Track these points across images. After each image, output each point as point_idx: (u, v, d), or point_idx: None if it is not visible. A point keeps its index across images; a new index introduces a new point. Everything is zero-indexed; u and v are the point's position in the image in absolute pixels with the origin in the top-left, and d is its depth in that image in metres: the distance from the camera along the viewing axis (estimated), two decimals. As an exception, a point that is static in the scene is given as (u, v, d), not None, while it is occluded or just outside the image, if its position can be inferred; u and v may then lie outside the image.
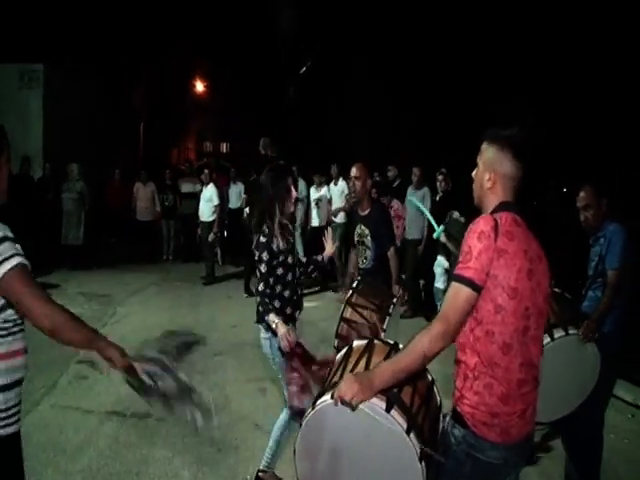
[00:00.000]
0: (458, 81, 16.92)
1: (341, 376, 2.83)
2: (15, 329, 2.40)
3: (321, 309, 9.98)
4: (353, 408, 2.44)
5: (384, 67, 19.06)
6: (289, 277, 4.22)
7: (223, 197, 12.92)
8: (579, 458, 4.30)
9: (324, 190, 11.94)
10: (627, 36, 13.09)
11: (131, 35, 20.34)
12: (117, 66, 19.52)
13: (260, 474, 4.43)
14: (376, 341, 3.17)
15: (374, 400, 2.49)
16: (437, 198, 9.53)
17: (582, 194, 4.36)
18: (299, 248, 12.80)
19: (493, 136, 2.65)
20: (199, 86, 35.03)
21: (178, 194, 14.95)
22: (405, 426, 2.49)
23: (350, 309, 5.04)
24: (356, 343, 3.19)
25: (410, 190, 10.13)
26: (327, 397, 2.63)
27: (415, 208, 9.67)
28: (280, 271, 4.16)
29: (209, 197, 12.12)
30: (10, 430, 2.39)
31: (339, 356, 3.18)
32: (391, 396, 2.55)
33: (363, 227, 5.44)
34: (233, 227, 13.88)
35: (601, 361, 3.97)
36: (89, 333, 2.47)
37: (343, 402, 2.44)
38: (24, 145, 14.36)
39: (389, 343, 3.14)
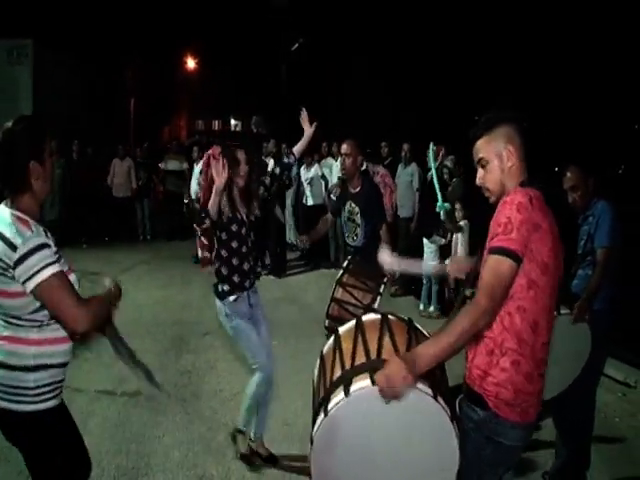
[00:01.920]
0: (454, 60, 16.86)
1: (367, 356, 2.72)
2: (51, 321, 2.62)
3: (312, 287, 9.99)
4: (400, 394, 2.34)
5: (379, 44, 18.95)
6: (235, 245, 4.31)
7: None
8: (569, 436, 4.31)
9: (315, 169, 11.85)
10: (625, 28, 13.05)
11: (121, 11, 20.12)
12: (106, 42, 19.30)
13: (250, 444, 4.56)
14: (390, 317, 3.04)
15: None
16: (428, 175, 9.50)
17: (568, 175, 4.32)
18: (290, 227, 12.78)
19: (493, 120, 2.58)
20: (190, 63, 34.76)
21: (155, 172, 14.82)
22: (448, 411, 2.50)
23: (341, 289, 5.03)
24: (366, 318, 3.07)
25: (400, 167, 10.10)
26: (363, 383, 2.52)
27: (407, 184, 9.64)
28: (228, 239, 4.29)
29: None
30: (41, 406, 2.60)
31: (343, 330, 3.06)
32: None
33: (353, 204, 5.33)
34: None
35: (592, 340, 3.97)
36: (103, 315, 2.76)
37: (389, 387, 2.32)
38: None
39: (403, 319, 3.07)
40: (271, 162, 10.99)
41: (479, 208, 8.45)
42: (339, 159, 11.54)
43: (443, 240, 8.14)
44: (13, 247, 2.43)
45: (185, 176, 14.02)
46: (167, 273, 11.09)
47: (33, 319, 2.58)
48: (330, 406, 2.59)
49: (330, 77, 21.84)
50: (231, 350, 6.81)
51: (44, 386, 2.61)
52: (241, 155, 4.32)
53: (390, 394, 2.34)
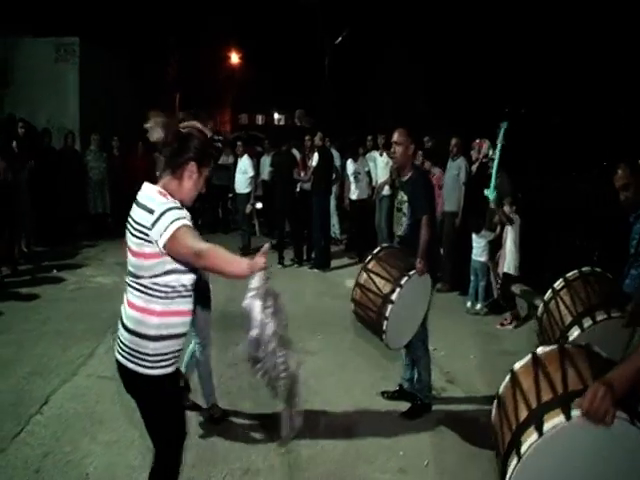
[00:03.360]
0: (491, 52, 16.61)
1: (553, 391, 2.55)
2: (173, 295, 2.91)
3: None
4: (607, 414, 2.21)
5: (419, 39, 18.77)
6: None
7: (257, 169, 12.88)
8: None
9: (360, 162, 11.78)
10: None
11: (165, 7, 20.27)
12: (151, 38, 19.45)
13: (211, 412, 5.05)
14: (566, 345, 2.90)
15: None
16: (473, 168, 9.36)
17: (619, 173, 4.21)
18: (334, 220, 12.74)
19: None
20: (234, 57, 34.91)
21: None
22: None
23: (365, 274, 5.04)
24: (541, 351, 2.90)
25: (449, 161, 9.97)
26: (557, 420, 2.38)
27: (454, 178, 9.49)
28: None
29: (244, 169, 12.08)
30: (156, 372, 2.95)
31: (519, 367, 2.92)
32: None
33: (402, 193, 5.27)
34: (266, 199, 13.83)
35: None
36: (236, 264, 2.82)
37: (595, 416, 2.23)
38: (61, 119, 14.44)
39: (580, 345, 2.89)
40: (316, 156, 11.00)
41: (529, 201, 8.28)
42: (384, 153, 11.51)
43: (492, 234, 7.98)
44: (151, 211, 2.78)
45: (230, 170, 14.08)
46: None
47: (161, 290, 2.87)
48: (523, 449, 2.45)
49: (372, 69, 21.69)
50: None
51: (161, 354, 2.93)
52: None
53: (597, 417, 2.23)
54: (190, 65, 26.06)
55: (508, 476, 2.47)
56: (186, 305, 3.02)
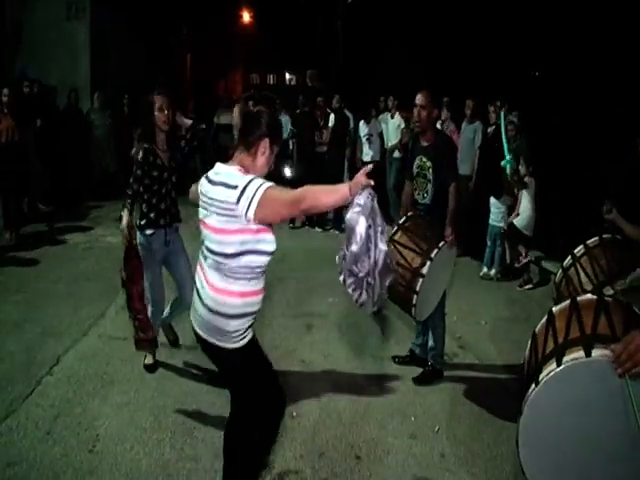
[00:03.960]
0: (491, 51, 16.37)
1: (582, 332, 2.72)
2: (249, 276, 3.04)
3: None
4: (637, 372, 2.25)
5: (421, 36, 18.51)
6: (156, 187, 4.84)
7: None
8: None
9: (373, 124, 11.61)
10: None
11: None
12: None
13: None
14: (607, 298, 3.00)
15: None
16: (489, 130, 9.22)
17: None
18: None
19: None
20: (245, 16, 34.47)
21: (208, 126, 14.78)
22: None
23: (392, 246, 4.69)
24: (581, 298, 3.06)
25: (464, 123, 9.83)
26: (577, 354, 2.55)
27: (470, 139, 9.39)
28: (146, 180, 4.78)
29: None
30: (236, 345, 3.13)
31: (557, 309, 3.07)
32: None
33: (425, 159, 5.04)
34: (279, 158, 13.72)
35: None
36: (333, 192, 2.86)
37: (626, 362, 2.24)
38: (72, 77, 14.31)
39: (621, 301, 3.01)
40: (332, 118, 10.90)
41: (544, 165, 8.19)
42: (395, 115, 11.36)
43: (511, 199, 7.89)
44: (234, 187, 2.87)
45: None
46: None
47: (240, 271, 3.00)
48: (542, 376, 2.64)
49: (385, 31, 21.32)
50: (288, 307, 6.81)
51: (240, 330, 3.10)
52: (158, 100, 4.77)
53: (626, 363, 2.24)
54: (202, 24, 25.70)
55: (525, 399, 2.72)
56: (261, 284, 3.15)
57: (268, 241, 3.00)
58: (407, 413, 4.76)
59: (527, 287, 7.80)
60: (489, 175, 8.22)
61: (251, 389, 3.32)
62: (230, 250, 2.95)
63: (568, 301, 3.03)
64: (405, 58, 19.86)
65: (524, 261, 7.77)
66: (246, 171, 2.99)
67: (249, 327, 3.18)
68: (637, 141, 4.24)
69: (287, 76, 41.51)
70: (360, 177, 2.77)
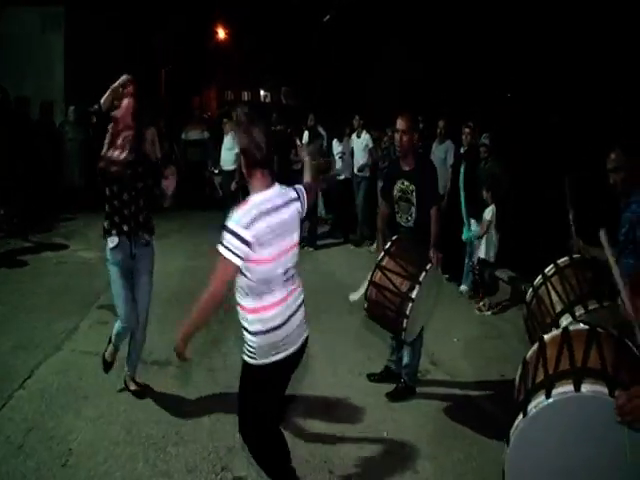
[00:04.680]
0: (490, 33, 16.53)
1: (572, 364, 2.75)
2: (258, 291, 3.16)
3: (339, 260, 9.98)
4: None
5: (412, 18, 18.59)
6: (116, 189, 4.70)
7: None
8: None
9: (346, 143, 11.69)
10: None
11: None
12: (138, 11, 19.20)
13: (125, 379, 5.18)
14: (599, 329, 3.01)
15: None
16: (462, 151, 9.36)
17: (612, 156, 4.21)
18: (320, 201, 12.70)
19: None
20: (221, 33, 34.57)
21: (176, 142, 14.82)
22: None
23: (380, 273, 4.86)
24: (573, 328, 3.08)
25: (435, 144, 9.95)
26: (566, 388, 2.60)
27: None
28: (113, 187, 4.70)
29: (230, 146, 11.96)
30: (253, 362, 3.24)
31: (549, 337, 3.08)
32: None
33: (407, 182, 5.14)
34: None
35: None
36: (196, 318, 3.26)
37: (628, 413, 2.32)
38: (47, 89, 14.24)
39: (612, 334, 3.01)
40: (306, 135, 10.98)
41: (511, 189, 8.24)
42: (363, 134, 11.41)
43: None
44: None
45: (205, 146, 14.05)
46: (196, 242, 11.03)
47: (245, 287, 3.16)
48: (530, 407, 2.65)
49: (362, 49, 21.49)
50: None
51: (252, 347, 3.21)
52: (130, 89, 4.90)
53: (630, 417, 2.32)
54: (176, 39, 25.74)
55: (512, 429, 2.71)
56: (273, 298, 3.21)
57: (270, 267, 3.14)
58: (380, 429, 4.81)
59: (487, 312, 7.76)
60: (467, 196, 8.26)
61: (256, 408, 3.38)
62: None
63: (560, 330, 3.05)
64: (382, 75, 19.98)
65: (486, 313, 7.73)
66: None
67: (272, 346, 3.23)
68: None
69: (262, 93, 41.64)
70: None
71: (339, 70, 18.47)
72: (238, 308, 3.24)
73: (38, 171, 11.78)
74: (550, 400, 2.58)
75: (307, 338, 3.55)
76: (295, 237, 3.30)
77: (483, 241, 7.62)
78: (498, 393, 5.50)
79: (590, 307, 3.88)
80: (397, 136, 5.17)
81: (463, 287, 8.36)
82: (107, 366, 5.21)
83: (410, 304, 4.65)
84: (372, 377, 5.65)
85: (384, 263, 4.88)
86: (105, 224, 4.76)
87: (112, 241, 4.74)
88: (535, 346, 3.08)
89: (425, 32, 17.87)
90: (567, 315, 3.95)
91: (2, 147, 10.12)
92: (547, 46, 13.78)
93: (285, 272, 3.23)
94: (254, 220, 3.05)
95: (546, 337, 3.07)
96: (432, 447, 4.60)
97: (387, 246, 5.02)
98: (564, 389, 2.58)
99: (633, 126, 4.06)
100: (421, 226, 5.12)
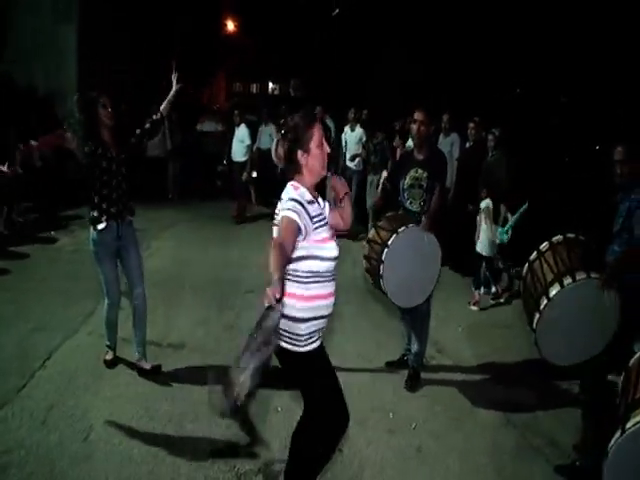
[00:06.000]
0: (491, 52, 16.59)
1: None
2: (310, 280, 3.22)
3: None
4: None
5: (416, 12, 18.64)
6: (106, 178, 5.04)
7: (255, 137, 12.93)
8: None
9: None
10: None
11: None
12: (151, 2, 19.33)
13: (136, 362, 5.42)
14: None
15: None
16: (467, 145, 9.49)
17: (619, 148, 4.35)
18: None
19: None
20: (230, 25, 34.68)
21: (191, 133, 14.94)
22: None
23: (374, 231, 5.33)
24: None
25: (440, 137, 10.09)
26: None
27: None
28: (100, 174, 5.02)
29: (241, 137, 12.15)
30: (307, 348, 3.29)
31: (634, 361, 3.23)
32: None
33: (420, 170, 5.39)
34: (264, 168, 13.86)
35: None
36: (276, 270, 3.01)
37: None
38: (59, 80, 14.39)
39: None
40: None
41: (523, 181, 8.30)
42: (357, 128, 11.55)
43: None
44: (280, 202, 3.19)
45: (219, 138, 14.17)
46: (207, 232, 11.31)
47: (306, 276, 3.20)
48: (629, 425, 2.71)
49: (362, 52, 21.55)
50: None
51: (311, 333, 3.28)
52: (103, 100, 5.10)
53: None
54: (187, 32, 25.84)
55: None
56: (327, 289, 3.32)
57: (328, 248, 3.24)
58: (386, 410, 5.01)
59: (493, 301, 7.89)
60: (467, 187, 8.39)
61: (318, 394, 3.44)
62: (293, 255, 3.12)
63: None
64: (403, 58, 20.01)
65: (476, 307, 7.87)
66: (297, 186, 3.26)
67: (316, 332, 3.33)
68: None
69: (270, 85, 41.71)
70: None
71: (340, 72, 18.55)
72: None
73: (46, 164, 11.93)
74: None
75: None
76: None
77: (481, 236, 7.73)
78: (501, 378, 5.74)
79: (578, 277, 4.06)
80: (415, 126, 5.43)
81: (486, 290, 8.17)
82: (112, 365, 5.49)
83: (386, 250, 4.98)
84: (390, 363, 5.88)
85: (380, 223, 5.35)
86: (94, 214, 5.06)
87: (100, 225, 5.06)
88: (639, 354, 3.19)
89: (425, 34, 17.94)
90: (557, 284, 4.12)
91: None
92: (547, 47, 13.85)
93: None
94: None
95: (631, 362, 3.18)
96: (436, 427, 4.80)
97: (388, 214, 5.45)
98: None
99: (633, 127, 4.16)
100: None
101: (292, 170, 3.32)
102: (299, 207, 3.09)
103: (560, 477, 4.25)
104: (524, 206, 7.40)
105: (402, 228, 5.03)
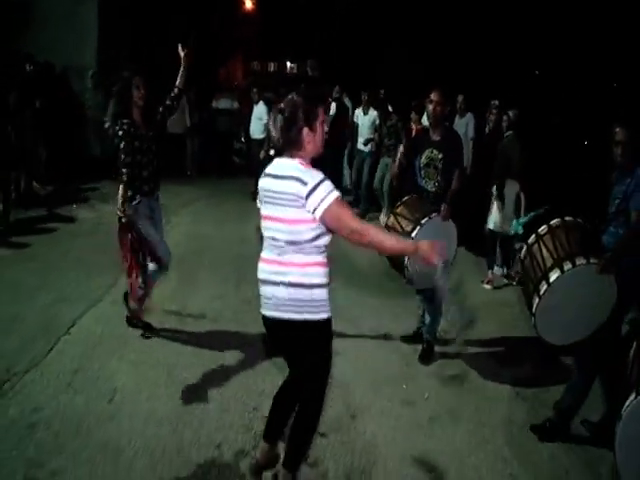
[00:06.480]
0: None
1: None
2: (322, 250, 3.31)
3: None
4: None
5: (414, 22, 18.68)
6: (139, 157, 5.24)
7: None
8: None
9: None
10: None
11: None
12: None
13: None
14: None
15: None
16: (487, 129, 9.53)
17: (617, 129, 4.38)
18: (346, 171, 12.94)
19: None
20: (248, 3, 34.58)
21: (207, 111, 15.12)
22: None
23: (392, 217, 5.47)
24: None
25: (456, 118, 10.16)
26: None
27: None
28: (133, 152, 5.19)
29: (259, 115, 12.26)
30: (329, 314, 3.40)
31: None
32: None
33: (436, 151, 5.51)
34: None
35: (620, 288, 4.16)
36: (397, 239, 3.52)
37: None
38: (79, 57, 14.46)
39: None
40: (333, 107, 11.22)
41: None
42: (371, 111, 11.51)
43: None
44: (304, 183, 3.11)
45: (235, 115, 14.29)
46: (226, 208, 11.53)
47: (318, 249, 3.29)
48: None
49: (364, 51, 21.49)
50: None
51: (324, 300, 3.35)
52: (137, 81, 5.26)
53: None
54: (204, 9, 25.82)
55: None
56: (326, 257, 3.39)
57: None
58: (399, 381, 5.18)
59: (487, 285, 7.91)
60: (483, 167, 8.46)
61: (329, 358, 3.56)
62: (308, 236, 3.20)
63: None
64: (404, 57, 20.02)
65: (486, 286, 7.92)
66: (306, 163, 3.26)
67: (328, 300, 3.39)
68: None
69: (288, 64, 41.60)
70: (431, 252, 3.17)
71: (341, 72, 18.52)
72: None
73: (65, 139, 12.12)
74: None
75: None
76: None
77: (492, 213, 7.81)
78: (510, 354, 5.93)
79: (577, 263, 4.13)
80: (430, 107, 5.56)
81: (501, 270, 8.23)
82: (138, 324, 5.73)
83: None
84: (405, 338, 6.03)
85: (398, 210, 5.50)
86: (129, 193, 5.21)
87: (135, 202, 5.26)
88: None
89: (427, 34, 17.94)
90: (556, 269, 4.19)
91: (26, 116, 10.32)
92: (546, 48, 13.84)
93: None
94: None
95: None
96: (447, 399, 4.97)
97: (405, 198, 5.59)
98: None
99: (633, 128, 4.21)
100: (446, 191, 5.50)
101: (291, 147, 3.29)
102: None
103: (568, 444, 4.41)
104: (543, 208, 7.41)
105: (425, 220, 5.17)
